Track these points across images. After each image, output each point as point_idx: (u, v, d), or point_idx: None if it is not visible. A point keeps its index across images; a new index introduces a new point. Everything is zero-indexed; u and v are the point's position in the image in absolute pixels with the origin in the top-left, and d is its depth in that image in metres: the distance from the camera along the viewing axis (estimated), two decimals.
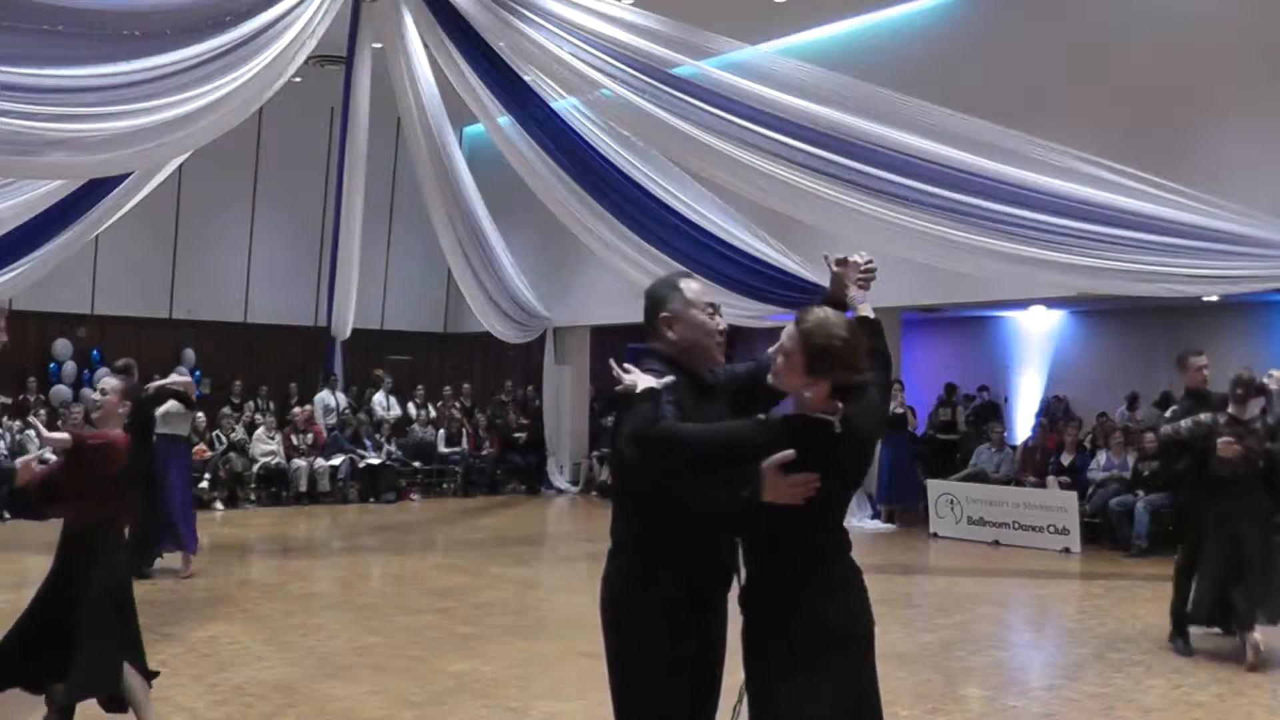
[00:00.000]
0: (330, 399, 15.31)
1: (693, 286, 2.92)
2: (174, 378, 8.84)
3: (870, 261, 2.97)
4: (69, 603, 4.37)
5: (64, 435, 4.51)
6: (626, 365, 2.72)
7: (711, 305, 2.91)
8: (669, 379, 2.67)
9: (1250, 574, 6.39)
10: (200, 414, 12.32)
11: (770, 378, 2.68)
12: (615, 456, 2.81)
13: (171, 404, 8.34)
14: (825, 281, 11.07)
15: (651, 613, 2.74)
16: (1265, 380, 6.78)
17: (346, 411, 15.44)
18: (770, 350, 2.69)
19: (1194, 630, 6.80)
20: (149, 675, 4.68)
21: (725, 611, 2.83)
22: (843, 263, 2.97)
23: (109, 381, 4.79)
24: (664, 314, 2.88)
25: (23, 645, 4.41)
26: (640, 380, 2.64)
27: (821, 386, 2.56)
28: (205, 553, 9.13)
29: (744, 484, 2.51)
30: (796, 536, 2.60)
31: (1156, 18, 10.52)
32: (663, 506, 2.69)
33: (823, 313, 2.61)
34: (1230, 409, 6.62)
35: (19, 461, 4.31)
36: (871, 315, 2.92)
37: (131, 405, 4.82)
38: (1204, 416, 6.68)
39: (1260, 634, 6.35)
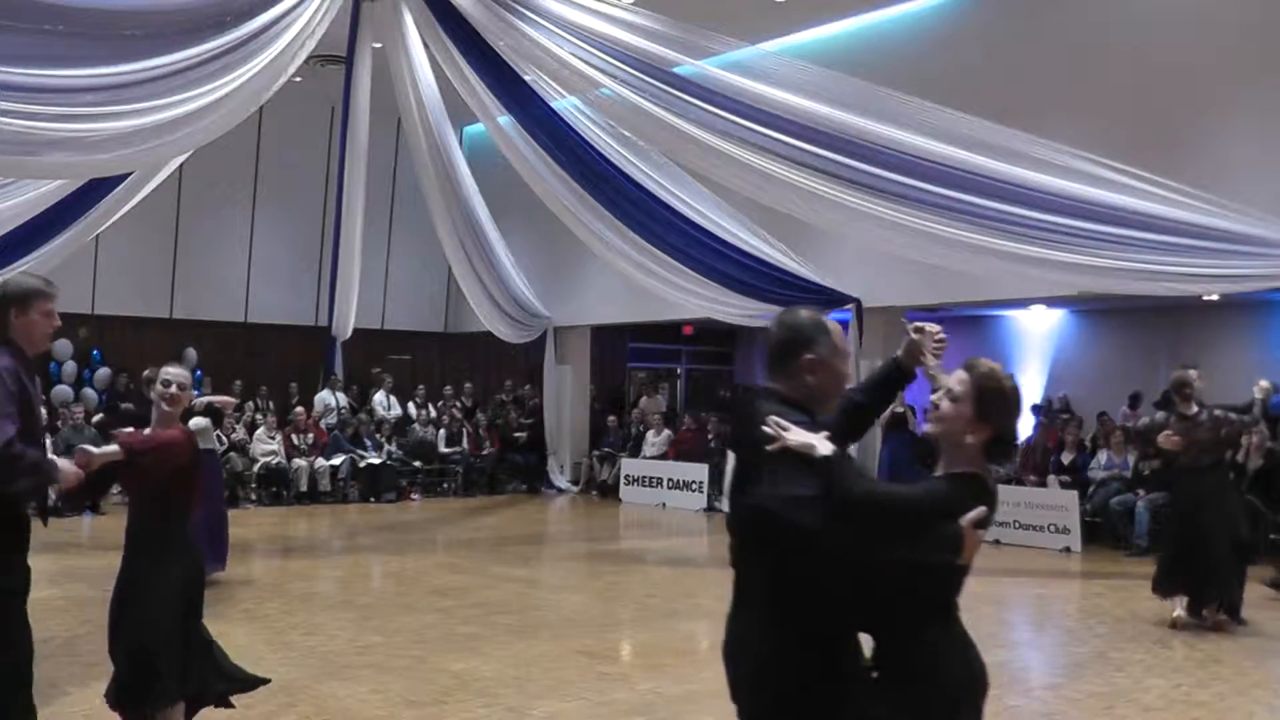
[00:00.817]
0: (331, 399, 15.35)
1: (838, 331, 2.79)
2: (222, 396, 8.59)
3: (940, 331, 2.99)
4: (133, 608, 4.17)
5: (113, 448, 4.14)
6: (778, 420, 2.53)
7: (846, 353, 2.84)
8: (825, 435, 2.56)
9: (1205, 556, 7.24)
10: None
11: (931, 425, 2.68)
12: (759, 511, 2.55)
13: (205, 420, 8.17)
14: (823, 281, 11.08)
15: (822, 678, 2.60)
16: (1254, 390, 7.75)
17: (346, 411, 15.47)
18: (933, 397, 2.69)
19: (1190, 627, 7.21)
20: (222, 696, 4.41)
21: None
22: (920, 330, 2.98)
23: (180, 374, 4.37)
24: (809, 356, 2.70)
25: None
26: (812, 440, 2.48)
27: (984, 433, 2.59)
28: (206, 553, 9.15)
29: (947, 547, 2.47)
30: (946, 594, 2.61)
31: (1158, 17, 10.55)
32: (815, 565, 2.57)
33: (990, 362, 2.67)
34: (1179, 407, 7.48)
35: (62, 465, 3.93)
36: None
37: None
38: (1159, 415, 7.79)
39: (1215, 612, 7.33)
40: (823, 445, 2.47)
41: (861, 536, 2.49)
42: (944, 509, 2.49)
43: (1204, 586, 7.28)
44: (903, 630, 2.60)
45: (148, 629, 4.13)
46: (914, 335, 2.97)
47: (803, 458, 2.45)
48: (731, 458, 2.69)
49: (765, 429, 2.50)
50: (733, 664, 2.68)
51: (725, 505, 2.76)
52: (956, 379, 2.65)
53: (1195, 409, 7.39)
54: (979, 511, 2.47)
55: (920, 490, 2.57)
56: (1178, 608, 7.40)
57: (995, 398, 2.60)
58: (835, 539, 2.47)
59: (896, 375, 2.96)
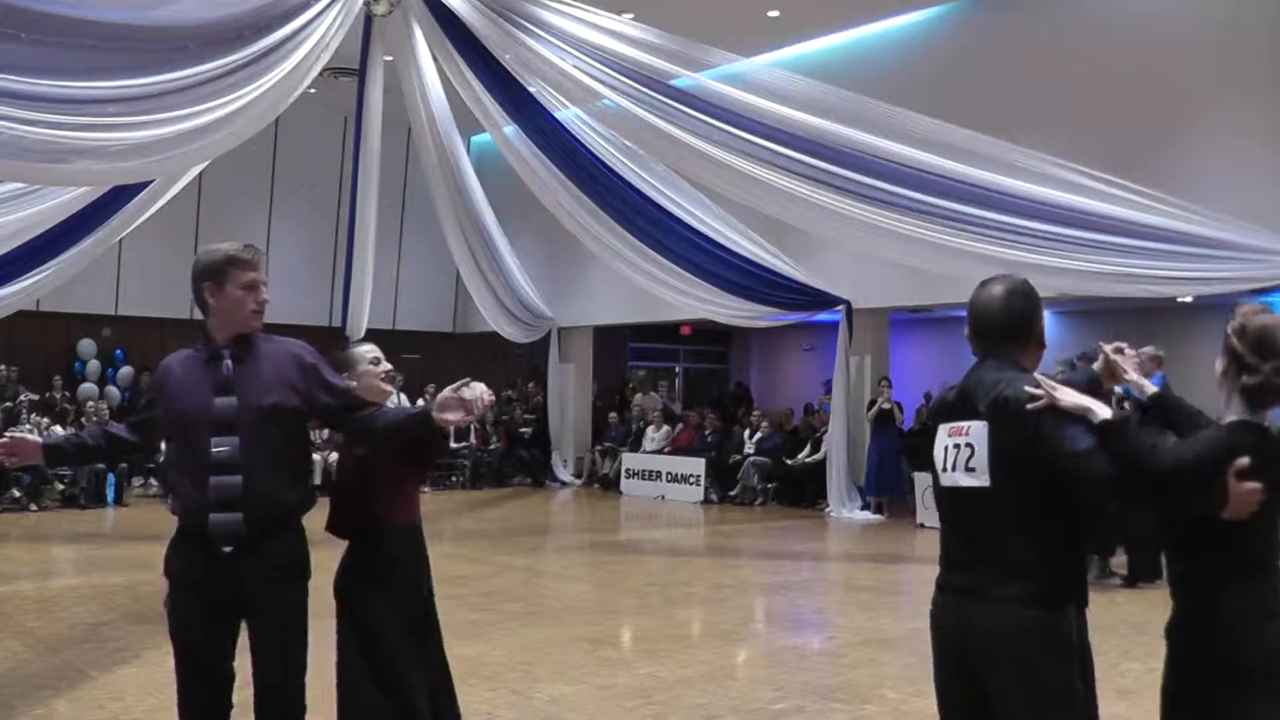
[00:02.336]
0: None
1: None
2: None
3: (1135, 354, 2.92)
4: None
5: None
6: (1043, 379, 2.47)
7: None
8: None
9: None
10: None
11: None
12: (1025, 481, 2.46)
13: None
14: (815, 283, 11.27)
15: (1088, 650, 2.58)
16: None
17: None
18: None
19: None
20: None
21: None
22: (1119, 351, 2.84)
23: (376, 351, 3.60)
24: (1042, 323, 2.67)
25: None
26: (1087, 403, 2.41)
27: (1240, 376, 2.44)
28: None
29: (1210, 498, 2.32)
30: (1229, 556, 2.43)
31: (1136, 32, 10.77)
32: (1081, 537, 2.52)
33: (1254, 306, 2.53)
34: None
35: None
36: (1154, 389, 2.83)
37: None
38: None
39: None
40: (1100, 408, 2.37)
41: (1151, 500, 2.41)
42: (1221, 458, 2.32)
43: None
44: (1191, 596, 2.48)
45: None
46: (1113, 355, 2.84)
47: (1077, 419, 2.37)
48: (976, 430, 2.53)
49: (1029, 389, 2.43)
50: (1009, 645, 2.46)
51: (959, 481, 2.58)
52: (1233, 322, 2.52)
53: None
54: (1241, 461, 2.29)
55: (1202, 444, 2.38)
56: None
57: (1238, 339, 2.46)
58: (1124, 501, 2.45)
59: (1092, 391, 2.80)
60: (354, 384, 3.39)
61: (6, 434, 3.20)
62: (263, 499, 3.00)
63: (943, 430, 2.63)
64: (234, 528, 2.97)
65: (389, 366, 3.56)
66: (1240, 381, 2.42)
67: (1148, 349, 8.79)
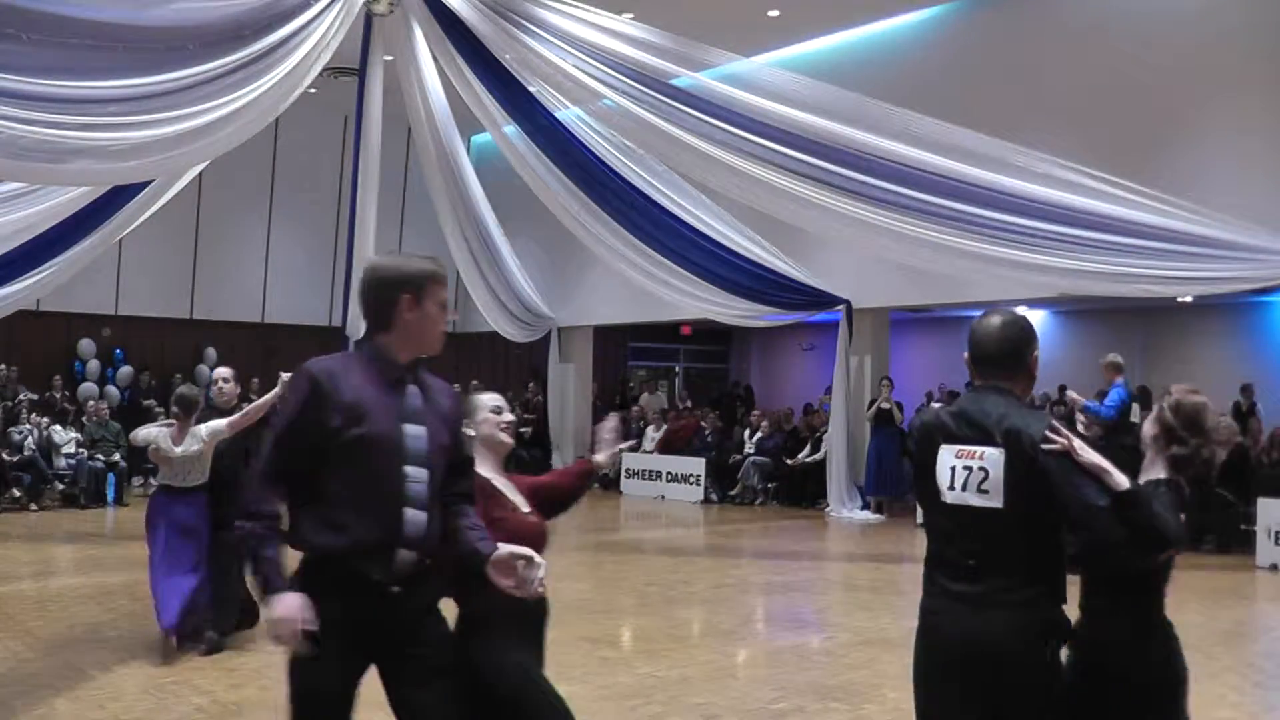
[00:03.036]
0: None
1: None
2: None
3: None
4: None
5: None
6: (1060, 428, 2.63)
7: None
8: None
9: None
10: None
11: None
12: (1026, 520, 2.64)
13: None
14: (815, 283, 11.29)
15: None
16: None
17: None
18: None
19: None
20: None
21: None
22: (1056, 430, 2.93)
23: (499, 400, 3.33)
24: (1036, 353, 2.83)
25: None
26: (1108, 466, 2.59)
27: (1168, 447, 2.82)
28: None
29: (1179, 540, 2.63)
30: (1156, 583, 2.76)
31: (1138, 29, 10.82)
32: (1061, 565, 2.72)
33: (1181, 388, 2.89)
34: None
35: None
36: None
37: None
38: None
39: None
40: (1119, 477, 2.57)
41: (1144, 558, 2.68)
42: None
43: None
44: (1094, 617, 2.76)
45: None
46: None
47: (1092, 475, 2.57)
48: (991, 456, 2.67)
49: (1048, 432, 2.61)
50: (1026, 644, 2.63)
51: (970, 500, 2.68)
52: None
53: None
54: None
55: (1172, 508, 2.66)
56: None
57: (1173, 414, 2.83)
58: (1114, 558, 2.66)
59: None
60: (472, 433, 3.18)
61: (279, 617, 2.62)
62: (435, 537, 2.78)
63: (948, 451, 2.74)
64: (410, 567, 2.73)
65: (511, 417, 3.30)
66: (1170, 451, 2.82)
67: (1108, 356, 8.84)
